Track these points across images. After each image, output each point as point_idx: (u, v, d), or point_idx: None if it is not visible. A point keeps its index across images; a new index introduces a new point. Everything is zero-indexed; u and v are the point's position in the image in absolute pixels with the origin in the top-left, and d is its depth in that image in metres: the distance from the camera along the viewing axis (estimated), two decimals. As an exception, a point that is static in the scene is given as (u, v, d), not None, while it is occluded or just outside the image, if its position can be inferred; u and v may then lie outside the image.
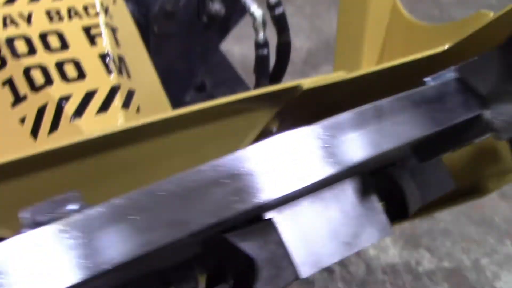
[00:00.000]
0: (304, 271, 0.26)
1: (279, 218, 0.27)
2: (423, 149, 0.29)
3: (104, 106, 0.70)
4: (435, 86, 0.28)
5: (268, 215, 0.27)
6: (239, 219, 0.25)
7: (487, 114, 0.25)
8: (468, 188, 0.93)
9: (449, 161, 0.94)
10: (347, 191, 0.29)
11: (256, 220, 0.26)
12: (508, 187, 2.38)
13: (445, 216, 2.04)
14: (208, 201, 0.24)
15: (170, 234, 0.23)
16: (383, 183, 0.33)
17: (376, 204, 0.29)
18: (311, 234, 0.27)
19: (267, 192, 0.25)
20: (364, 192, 0.29)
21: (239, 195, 0.25)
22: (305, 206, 0.28)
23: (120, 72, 0.74)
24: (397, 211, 0.37)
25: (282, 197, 0.26)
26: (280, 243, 0.26)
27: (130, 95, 0.73)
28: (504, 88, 0.25)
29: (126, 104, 0.72)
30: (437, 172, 0.42)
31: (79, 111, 0.68)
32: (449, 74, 0.27)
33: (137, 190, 0.25)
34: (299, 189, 0.27)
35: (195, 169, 0.25)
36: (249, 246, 0.25)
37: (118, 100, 0.71)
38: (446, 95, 0.27)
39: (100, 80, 0.71)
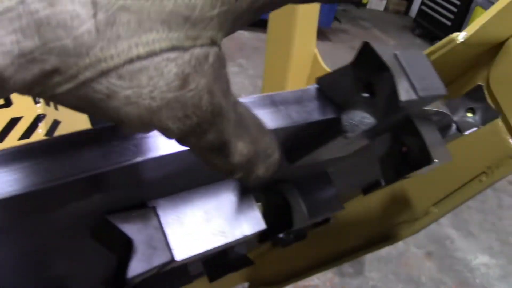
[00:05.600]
0: (179, 254, 0.28)
1: (162, 206, 0.29)
2: (290, 151, 0.32)
3: (28, 133, 0.71)
4: (296, 91, 0.31)
5: (153, 203, 0.29)
6: (121, 202, 0.28)
7: (341, 118, 0.29)
8: (382, 236, 0.98)
9: (364, 210, 0.99)
10: (229, 187, 0.32)
11: (141, 206, 0.29)
12: (433, 247, 2.46)
13: (374, 274, 2.09)
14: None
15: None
16: (273, 198, 0.37)
17: (253, 202, 0.32)
18: (189, 223, 0.29)
19: (152, 181, 0.28)
20: (243, 192, 0.32)
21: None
22: (187, 197, 0.30)
23: (47, 103, 0.75)
24: (283, 225, 0.40)
25: (167, 187, 0.29)
26: (159, 228, 0.28)
27: (55, 124, 0.74)
28: (354, 98, 0.29)
29: (50, 132, 0.73)
30: (326, 193, 0.45)
31: (1, 136, 0.69)
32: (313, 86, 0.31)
33: None
34: (183, 181, 0.30)
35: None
36: (128, 228, 0.27)
37: (42, 128, 0.72)
38: (304, 100, 0.30)
39: (27, 109, 0.72)
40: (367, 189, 0.80)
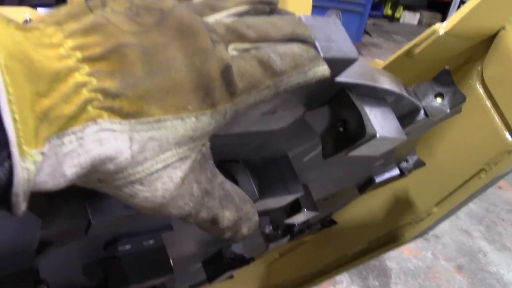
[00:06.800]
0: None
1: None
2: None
3: None
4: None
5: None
6: None
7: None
8: (387, 238, 0.97)
9: (369, 211, 0.98)
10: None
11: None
12: (464, 260, 2.38)
13: (401, 287, 2.04)
14: None
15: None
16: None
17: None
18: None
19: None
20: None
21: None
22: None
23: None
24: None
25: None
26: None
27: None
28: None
29: None
30: (283, 175, 0.45)
31: None
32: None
33: None
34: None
35: None
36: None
37: None
38: None
39: None
40: (362, 187, 0.79)
